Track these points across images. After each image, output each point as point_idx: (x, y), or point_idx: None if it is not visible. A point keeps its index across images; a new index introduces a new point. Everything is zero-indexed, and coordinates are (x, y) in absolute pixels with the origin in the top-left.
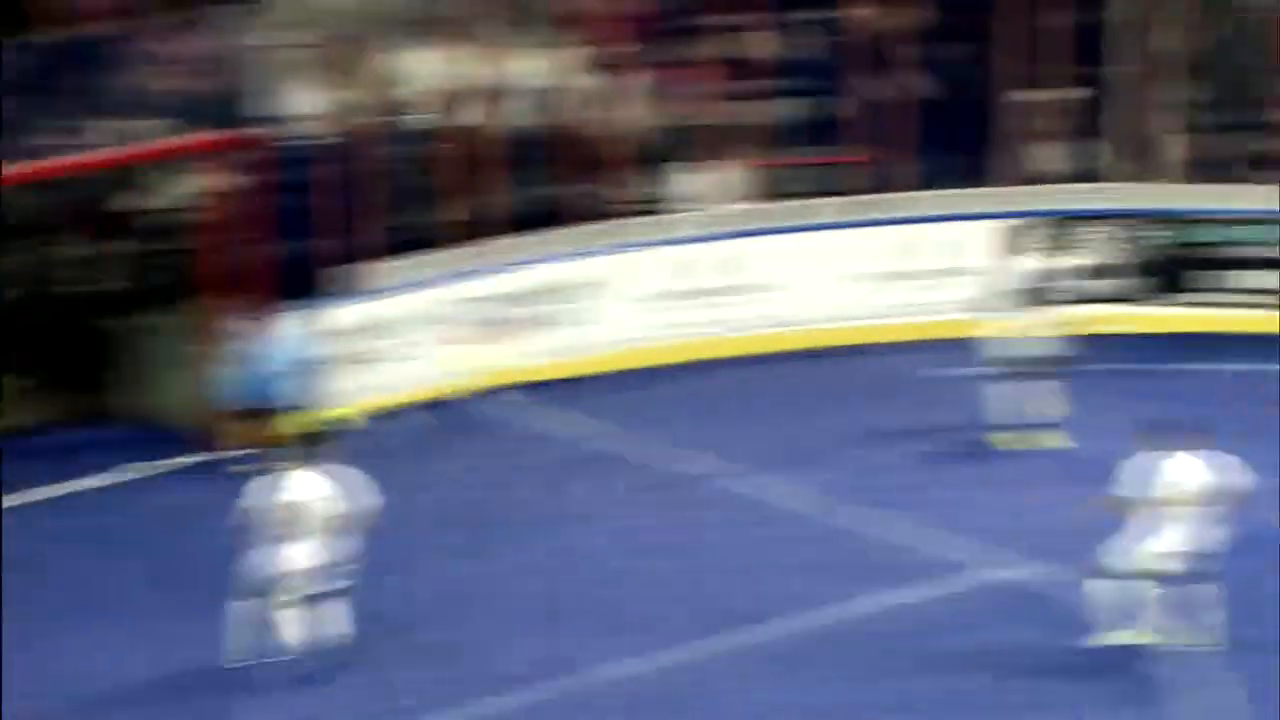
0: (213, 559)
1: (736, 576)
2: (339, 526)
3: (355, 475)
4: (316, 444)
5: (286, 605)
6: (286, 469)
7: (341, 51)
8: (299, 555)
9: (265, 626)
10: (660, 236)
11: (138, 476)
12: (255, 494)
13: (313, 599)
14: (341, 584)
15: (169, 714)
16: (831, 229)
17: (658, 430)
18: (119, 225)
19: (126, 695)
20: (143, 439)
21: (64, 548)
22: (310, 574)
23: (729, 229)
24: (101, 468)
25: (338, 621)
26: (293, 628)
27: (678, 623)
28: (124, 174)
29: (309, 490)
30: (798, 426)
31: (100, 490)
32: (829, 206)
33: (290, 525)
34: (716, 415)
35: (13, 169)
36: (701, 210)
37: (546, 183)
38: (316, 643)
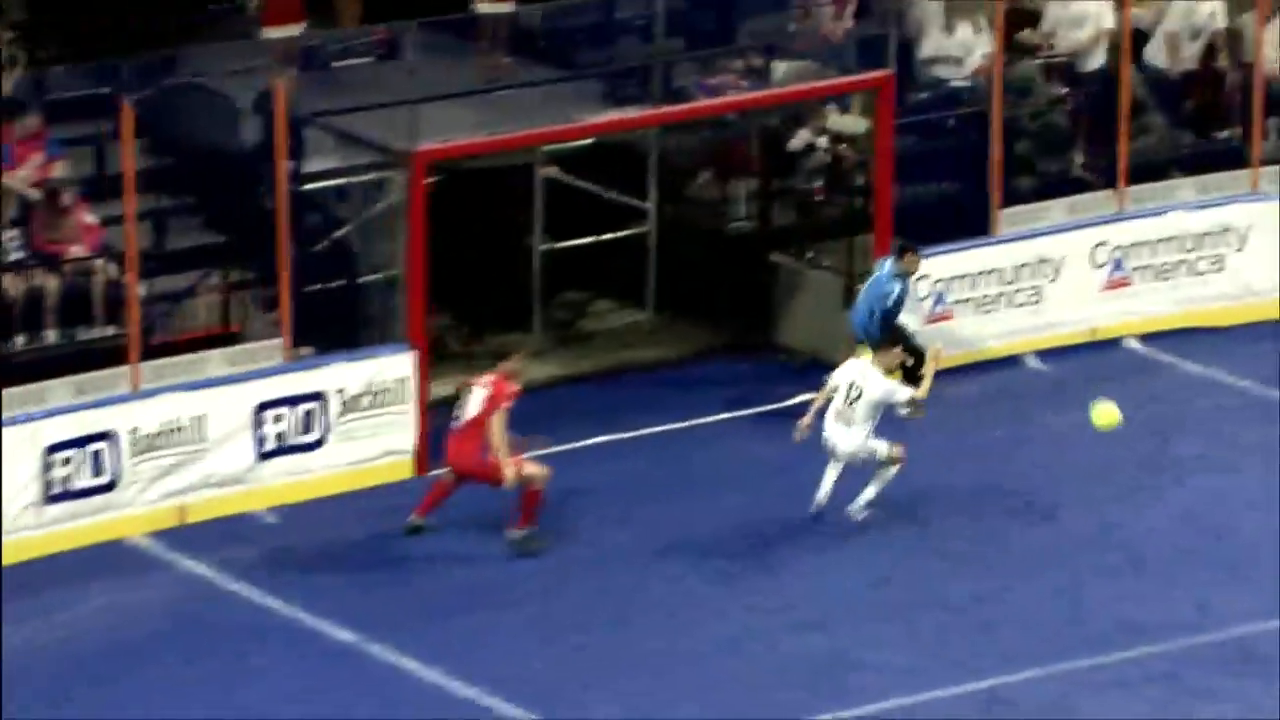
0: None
1: None
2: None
3: None
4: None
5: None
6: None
7: None
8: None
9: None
10: None
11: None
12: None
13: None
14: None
15: None
16: None
17: None
18: (786, 164)
19: None
20: (808, 371)
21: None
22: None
23: None
24: (772, 398)
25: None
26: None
27: None
28: (786, 112)
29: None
30: None
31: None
32: None
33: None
34: None
35: (675, 108)
36: None
37: (1187, 128)
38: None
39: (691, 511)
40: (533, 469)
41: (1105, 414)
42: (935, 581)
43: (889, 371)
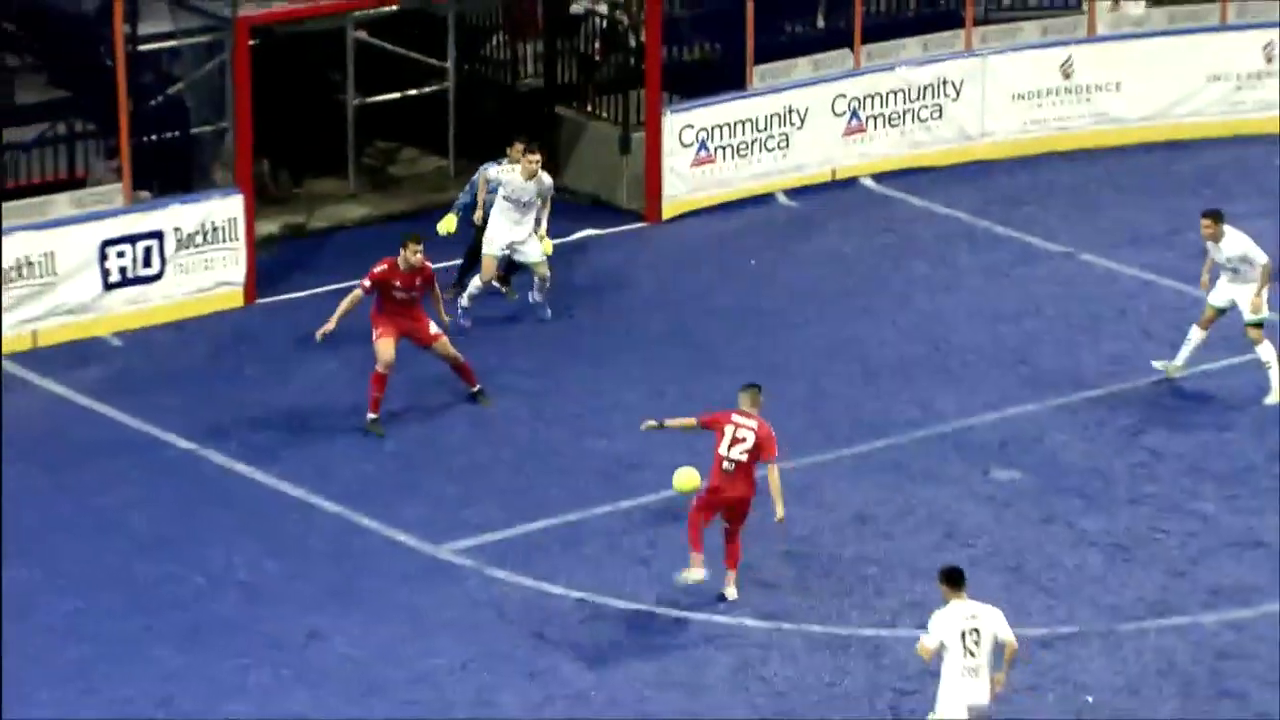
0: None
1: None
2: None
3: None
4: None
5: None
6: None
7: None
8: None
9: None
10: (1036, 39)
11: (592, 236)
12: None
13: None
14: None
15: None
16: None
17: (1008, 212)
18: (569, 27)
19: None
20: (591, 211)
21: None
22: None
23: (1104, 32)
24: (558, 233)
25: None
26: None
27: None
28: None
29: None
30: (1139, 212)
31: (561, 248)
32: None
33: None
34: (1069, 201)
35: None
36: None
37: None
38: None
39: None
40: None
41: (685, 479)
42: (709, 392)
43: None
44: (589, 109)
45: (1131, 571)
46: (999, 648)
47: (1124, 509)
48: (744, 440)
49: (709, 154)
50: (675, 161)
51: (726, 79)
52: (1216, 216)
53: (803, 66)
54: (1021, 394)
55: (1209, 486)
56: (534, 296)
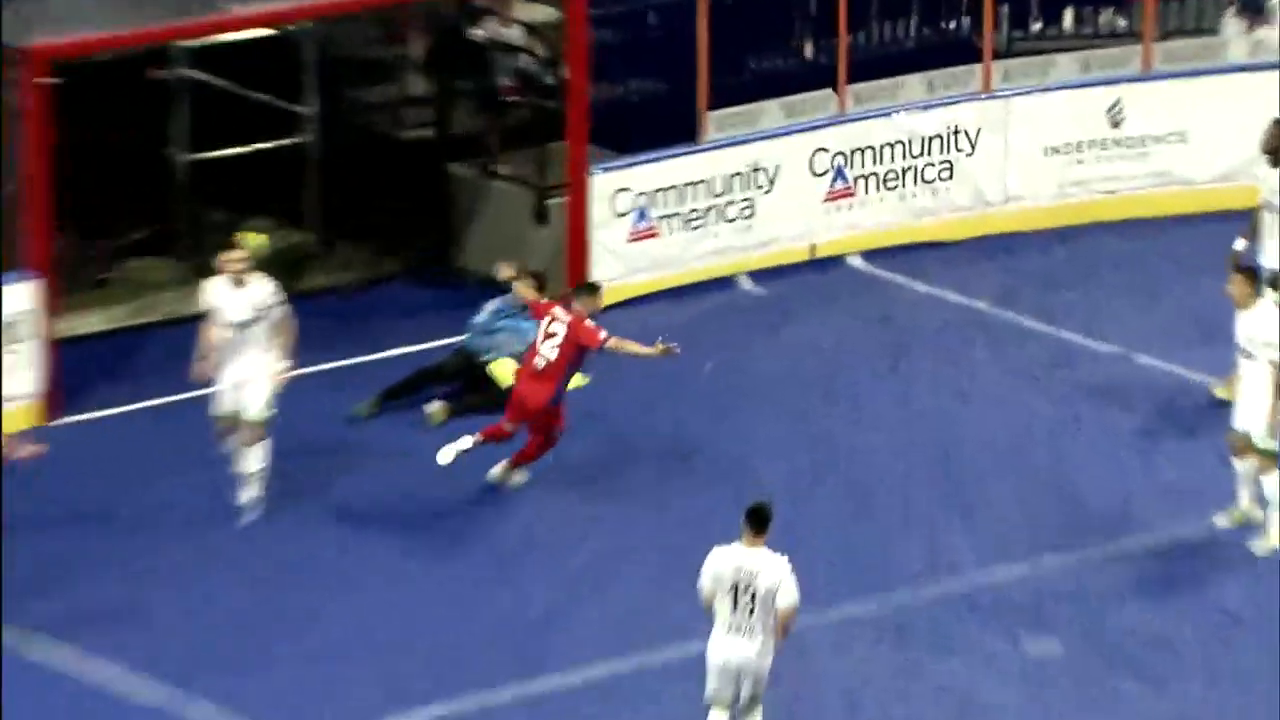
0: None
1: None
2: None
3: None
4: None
5: None
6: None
7: None
8: None
9: None
10: (1075, 77)
11: None
12: None
13: None
14: None
15: None
16: None
17: (1040, 300)
18: (469, 60)
19: None
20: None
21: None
22: None
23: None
24: (447, 330)
25: None
26: None
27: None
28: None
29: None
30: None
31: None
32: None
33: None
34: (1119, 286)
35: None
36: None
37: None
38: None
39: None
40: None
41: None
42: (644, 548)
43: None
44: (492, 167)
45: None
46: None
47: (1196, 690)
48: (555, 335)
49: (650, 225)
50: (607, 235)
51: (674, 128)
52: (1249, 275)
53: (773, 111)
54: (1059, 538)
55: None
56: (243, 495)
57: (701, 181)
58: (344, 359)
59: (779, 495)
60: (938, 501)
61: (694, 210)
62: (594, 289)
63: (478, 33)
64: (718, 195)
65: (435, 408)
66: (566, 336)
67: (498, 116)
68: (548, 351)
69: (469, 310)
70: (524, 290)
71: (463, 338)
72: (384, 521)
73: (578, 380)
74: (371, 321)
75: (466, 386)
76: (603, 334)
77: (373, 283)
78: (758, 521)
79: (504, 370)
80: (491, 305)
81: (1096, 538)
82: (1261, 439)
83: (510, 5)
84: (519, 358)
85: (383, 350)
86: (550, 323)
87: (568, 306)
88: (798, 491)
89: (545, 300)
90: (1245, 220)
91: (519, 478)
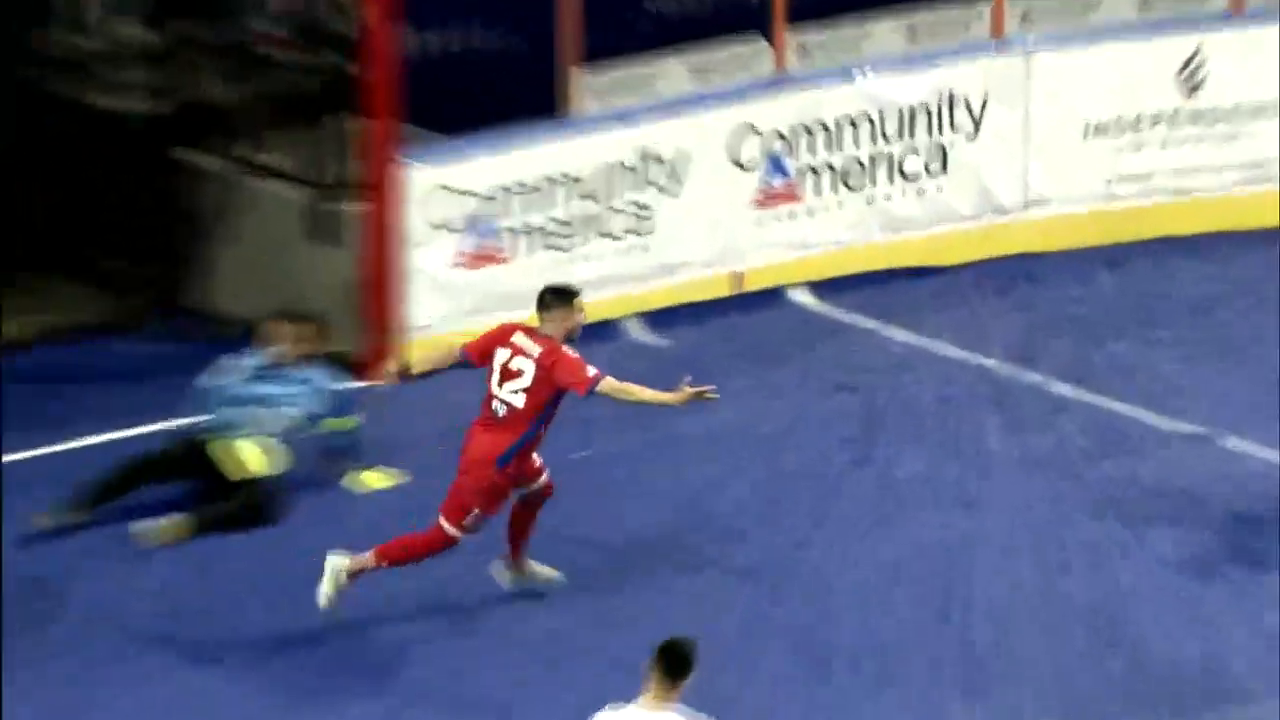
0: None
1: None
2: None
3: None
4: None
5: None
6: None
7: None
8: None
9: None
10: (1129, 18)
11: None
12: None
13: None
14: None
15: None
16: None
17: (1076, 354)
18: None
19: None
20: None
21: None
22: None
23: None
24: (172, 402)
25: None
26: None
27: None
28: None
29: None
30: None
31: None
32: None
33: None
34: (1197, 332)
35: None
36: None
37: None
38: None
39: None
40: None
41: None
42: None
43: None
44: (248, 156)
45: None
46: None
47: None
48: (519, 375)
49: (492, 244)
50: (425, 258)
51: (527, 97)
52: None
53: (676, 72)
54: (1108, 707)
55: None
56: None
57: (569, 178)
58: (15, 451)
59: (704, 656)
60: (932, 653)
61: (557, 221)
62: (568, 297)
63: None
64: (593, 199)
65: (164, 522)
66: (537, 378)
67: (256, 80)
68: (508, 396)
69: (204, 370)
70: (292, 342)
71: (199, 416)
72: None
73: (376, 476)
74: (61, 391)
75: (209, 485)
76: (591, 372)
77: (60, 334)
78: (673, 666)
79: (257, 457)
80: (244, 363)
81: (1164, 709)
82: None
83: None
84: (286, 438)
85: (77, 437)
86: (510, 358)
87: (532, 333)
88: (728, 654)
89: (495, 328)
90: None
91: (538, 569)
